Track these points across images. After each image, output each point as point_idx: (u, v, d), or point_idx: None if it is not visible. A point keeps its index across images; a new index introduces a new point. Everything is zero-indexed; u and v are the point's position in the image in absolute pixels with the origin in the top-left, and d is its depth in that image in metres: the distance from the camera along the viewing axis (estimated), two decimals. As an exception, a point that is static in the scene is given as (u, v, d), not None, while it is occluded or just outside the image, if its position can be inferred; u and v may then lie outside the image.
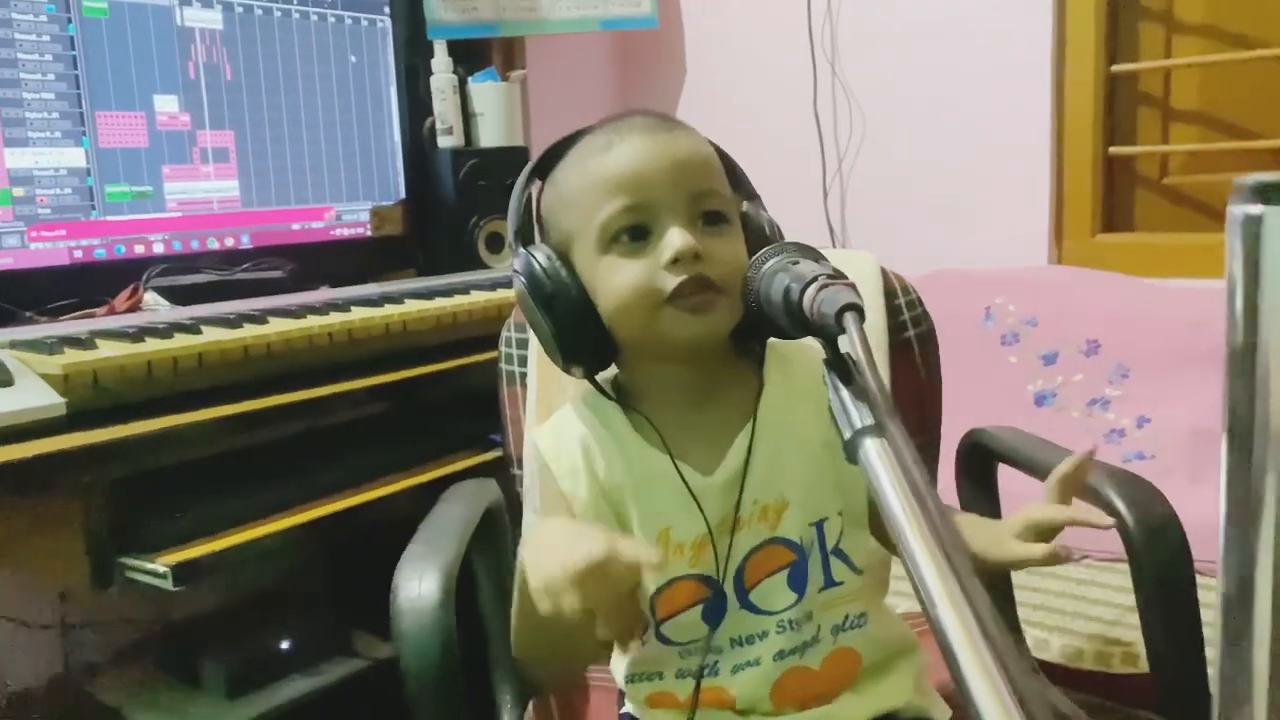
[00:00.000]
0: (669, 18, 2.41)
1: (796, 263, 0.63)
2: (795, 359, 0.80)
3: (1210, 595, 1.28)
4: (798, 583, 0.79)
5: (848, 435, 0.48)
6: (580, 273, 0.76)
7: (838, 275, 0.57)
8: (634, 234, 0.74)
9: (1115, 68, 1.99)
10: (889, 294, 1.18)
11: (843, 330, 0.50)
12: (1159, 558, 0.82)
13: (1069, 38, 1.99)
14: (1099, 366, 1.66)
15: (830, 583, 0.79)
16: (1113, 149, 2.01)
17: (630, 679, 0.85)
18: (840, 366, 0.52)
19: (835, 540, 0.79)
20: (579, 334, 0.76)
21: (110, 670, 1.41)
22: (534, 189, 0.84)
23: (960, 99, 2.09)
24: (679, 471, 0.76)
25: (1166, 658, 0.83)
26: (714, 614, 0.78)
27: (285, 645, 1.38)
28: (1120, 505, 0.88)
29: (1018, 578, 1.42)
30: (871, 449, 0.46)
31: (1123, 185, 2.05)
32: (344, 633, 1.45)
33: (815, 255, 0.65)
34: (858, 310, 0.51)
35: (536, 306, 0.76)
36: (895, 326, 1.18)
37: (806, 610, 0.79)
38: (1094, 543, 1.39)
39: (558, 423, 0.84)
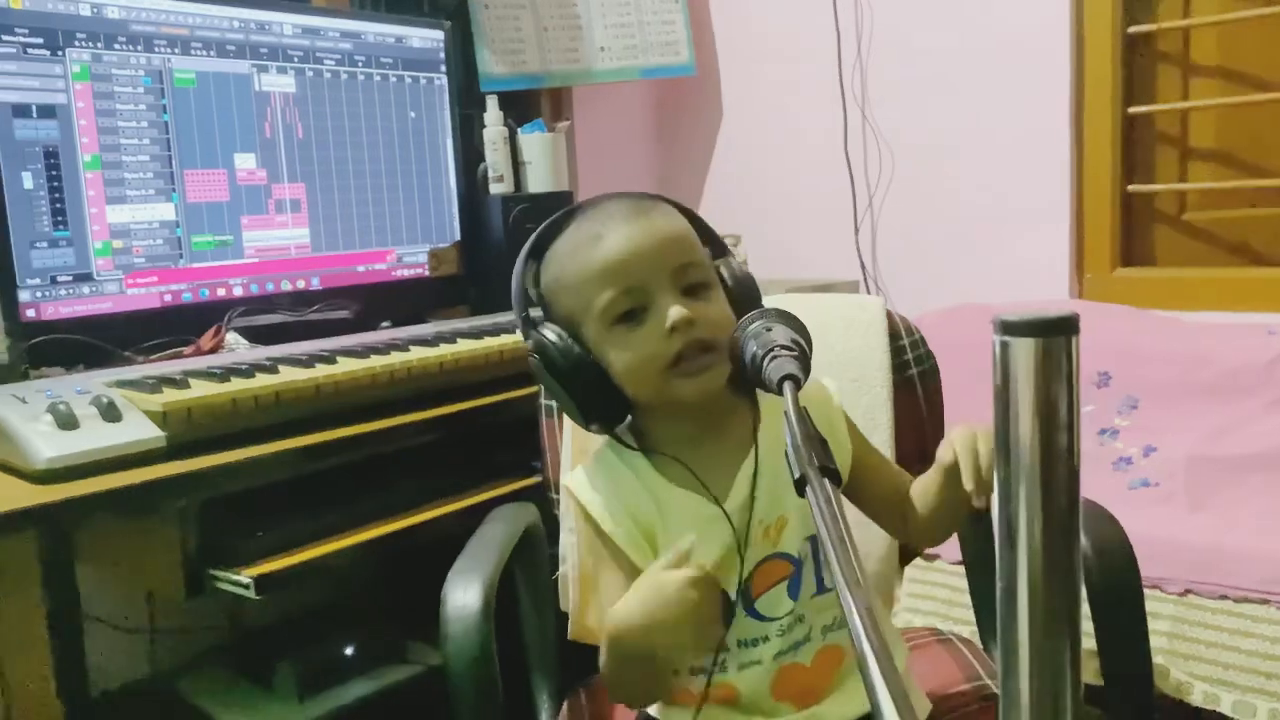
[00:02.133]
0: (705, 66, 2.55)
1: (770, 329, 0.75)
2: None
3: (1216, 618, 1.37)
4: (795, 591, 0.91)
5: (795, 475, 0.60)
6: (589, 344, 0.89)
7: (791, 347, 0.69)
8: (631, 314, 0.86)
9: (1132, 109, 2.08)
10: (893, 335, 1.30)
11: (782, 394, 0.63)
12: (1110, 575, 0.92)
13: (1087, 81, 2.09)
14: (1110, 397, 1.75)
15: (821, 589, 0.92)
16: (1131, 186, 2.10)
17: None
18: (788, 417, 0.64)
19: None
20: (595, 399, 0.89)
21: (192, 672, 1.57)
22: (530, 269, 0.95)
23: (984, 140, 2.19)
24: (722, 508, 0.88)
25: (1117, 666, 0.93)
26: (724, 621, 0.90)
27: (348, 652, 1.52)
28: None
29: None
30: (809, 493, 0.58)
31: (1142, 221, 2.14)
32: (400, 641, 1.59)
33: (787, 320, 0.77)
34: (794, 380, 0.63)
35: (555, 380, 0.89)
36: (899, 365, 1.29)
37: (800, 614, 0.91)
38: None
39: (590, 472, 0.95)
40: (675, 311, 0.84)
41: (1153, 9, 2.07)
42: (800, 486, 0.60)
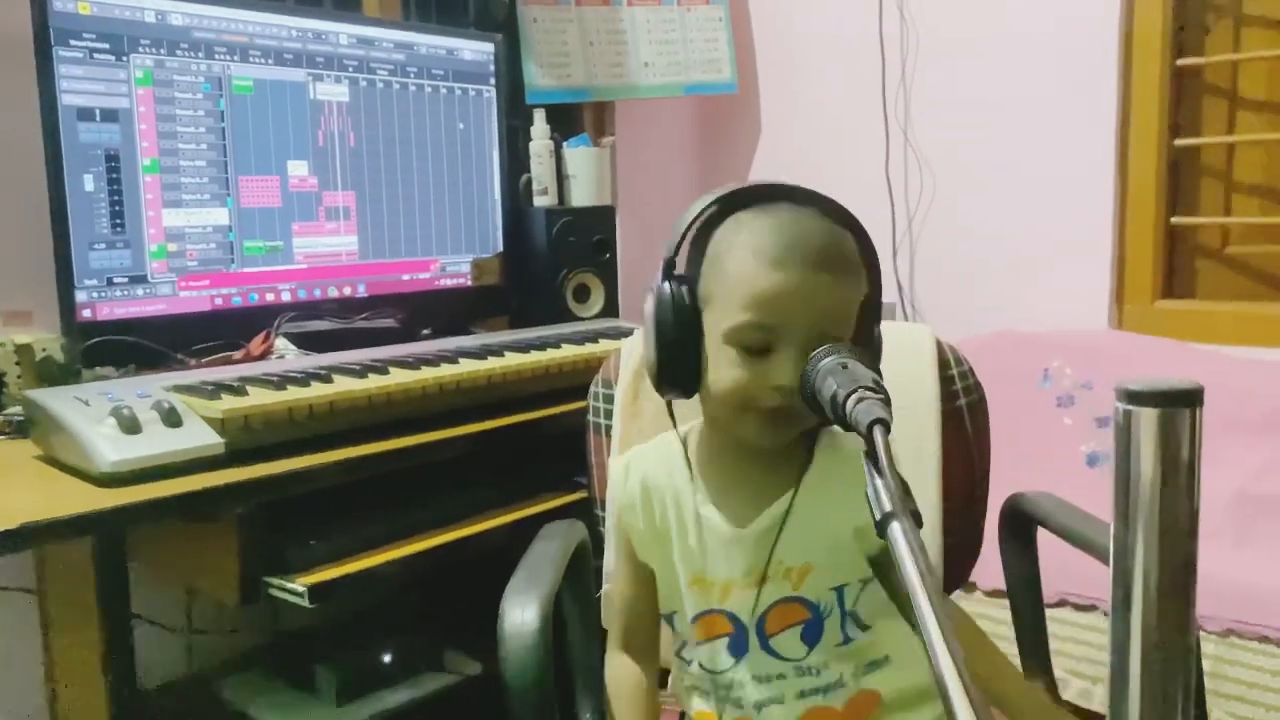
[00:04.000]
0: (747, 83, 2.56)
1: (846, 366, 0.75)
2: (845, 448, 0.92)
3: (1259, 659, 1.36)
4: (811, 637, 0.92)
5: (878, 516, 0.61)
6: (705, 326, 0.87)
7: (875, 388, 0.69)
8: (754, 348, 0.85)
9: (1179, 141, 2.08)
10: (943, 365, 1.30)
11: (872, 438, 0.63)
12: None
13: (1133, 112, 2.09)
14: (1150, 431, 1.74)
15: (846, 639, 0.92)
16: (1174, 219, 2.10)
17: (685, 691, 1.00)
18: (874, 459, 0.65)
19: (853, 603, 0.92)
20: (677, 368, 0.88)
21: (231, 673, 1.58)
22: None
23: (1026, 166, 2.19)
24: (725, 526, 0.91)
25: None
26: (738, 648, 0.93)
27: (386, 658, 1.53)
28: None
29: (1063, 630, 1.52)
30: (896, 529, 0.59)
31: (1184, 253, 2.13)
32: (437, 650, 1.61)
33: (863, 357, 0.77)
34: (884, 424, 0.64)
35: (654, 331, 0.88)
36: (947, 395, 1.29)
37: (823, 660, 0.92)
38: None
39: (630, 460, 0.99)
40: (789, 377, 0.82)
41: (1202, 42, 2.07)
42: (882, 527, 0.60)
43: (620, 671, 1.01)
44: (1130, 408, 0.37)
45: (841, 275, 0.87)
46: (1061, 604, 1.52)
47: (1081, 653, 1.50)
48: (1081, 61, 2.10)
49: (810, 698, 0.92)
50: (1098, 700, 1.50)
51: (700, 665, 0.95)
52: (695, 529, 0.93)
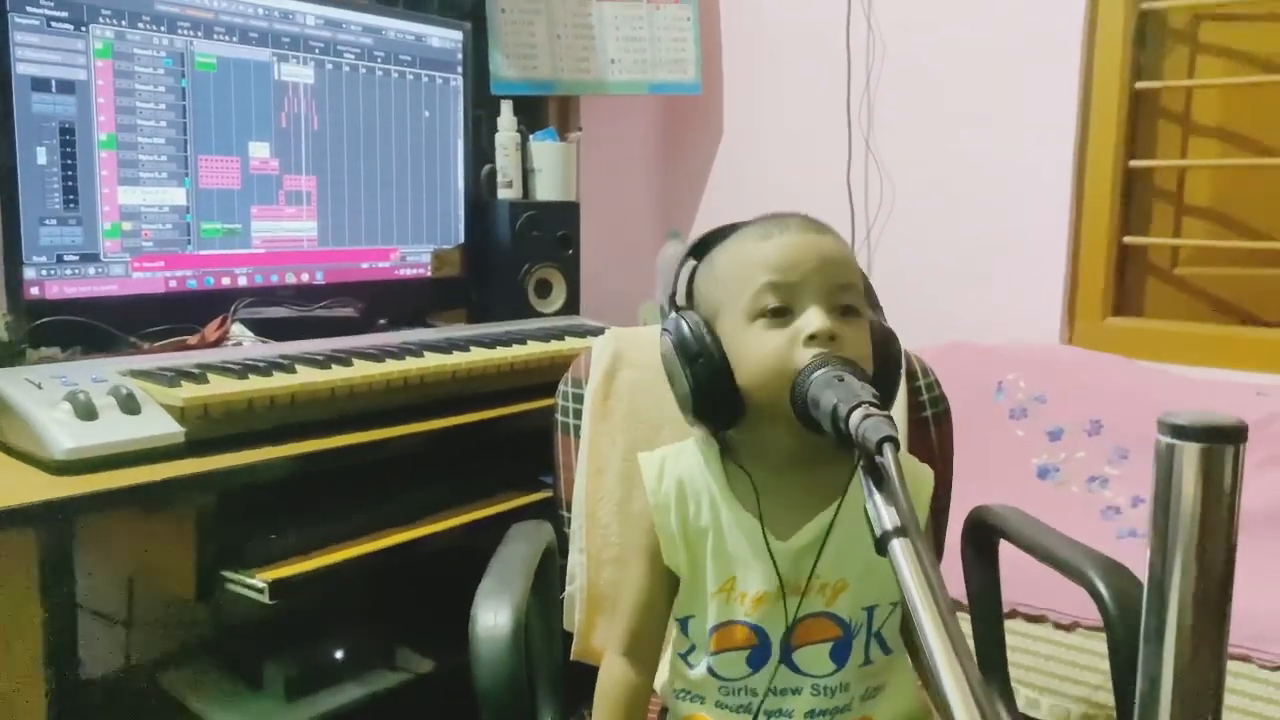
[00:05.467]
0: (712, 85, 2.56)
1: (842, 378, 0.75)
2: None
3: (1240, 682, 1.39)
4: (839, 656, 0.91)
5: (878, 533, 0.60)
6: (723, 341, 0.87)
7: (877, 404, 0.69)
8: (777, 312, 0.84)
9: (1133, 163, 2.12)
10: (910, 376, 1.31)
11: (881, 455, 0.63)
12: (1128, 624, 0.95)
13: (1092, 132, 2.12)
14: (1100, 446, 1.78)
15: (868, 660, 0.92)
16: (1127, 238, 2.14)
17: (677, 694, 0.97)
18: (874, 474, 0.64)
19: (881, 624, 0.91)
20: (713, 393, 0.87)
21: (175, 666, 1.54)
22: (686, 266, 0.95)
23: (985, 181, 2.22)
24: (766, 540, 0.88)
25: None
26: (758, 661, 0.91)
27: (338, 655, 1.50)
28: (1096, 579, 1.01)
29: (1013, 640, 1.54)
30: (898, 547, 0.59)
31: (1134, 272, 2.18)
32: (389, 647, 1.58)
33: (856, 371, 0.77)
34: (895, 442, 0.63)
35: (680, 364, 0.87)
36: (914, 405, 1.30)
37: (844, 681, 0.91)
38: (1083, 613, 1.51)
39: (666, 457, 0.95)
40: (819, 321, 0.82)
41: (1160, 67, 2.11)
42: (882, 545, 0.60)
43: (619, 678, 0.96)
44: (1174, 441, 0.37)
45: (831, 235, 0.89)
46: (1012, 614, 1.54)
47: (1030, 662, 1.53)
48: (1043, 80, 2.13)
49: (818, 718, 0.91)
50: (1045, 709, 1.53)
51: (711, 670, 0.93)
52: (732, 537, 0.90)
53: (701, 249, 0.95)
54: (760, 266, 0.86)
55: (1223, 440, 0.37)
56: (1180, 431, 0.37)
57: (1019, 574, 1.19)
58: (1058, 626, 1.52)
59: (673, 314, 0.90)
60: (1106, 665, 1.51)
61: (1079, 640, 1.51)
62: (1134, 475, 1.72)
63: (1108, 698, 1.41)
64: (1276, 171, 2.01)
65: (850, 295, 0.87)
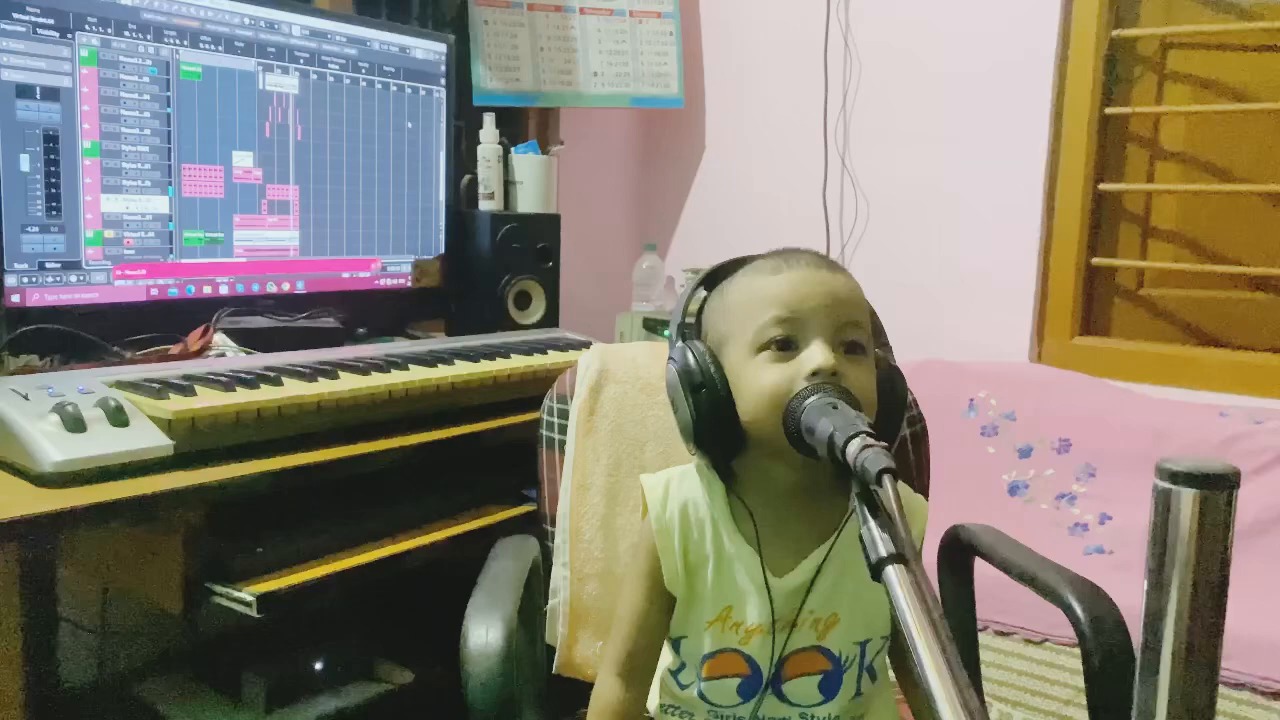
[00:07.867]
0: (694, 100, 2.58)
1: (835, 406, 0.77)
2: None
3: (1224, 703, 1.44)
4: (829, 689, 0.92)
5: (874, 559, 0.62)
6: (728, 372, 0.88)
7: (874, 433, 0.71)
8: (783, 345, 0.85)
9: (1102, 186, 2.17)
10: (890, 396, 1.34)
11: (880, 485, 0.65)
12: (1103, 646, 0.97)
13: (1062, 156, 2.17)
14: (1069, 464, 1.82)
15: (858, 693, 0.94)
16: (1095, 260, 2.19)
17: (665, 709, 0.99)
18: (869, 501, 0.66)
19: (872, 657, 0.93)
20: (714, 423, 0.88)
21: (151, 675, 1.53)
22: (697, 296, 0.98)
23: (958, 200, 2.27)
24: (765, 576, 0.89)
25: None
26: (748, 691, 0.92)
27: (318, 666, 1.50)
28: (1073, 602, 1.03)
29: (984, 655, 1.58)
30: (893, 574, 0.61)
31: (1102, 293, 2.23)
32: (368, 659, 1.58)
33: (849, 399, 0.79)
34: (894, 473, 0.65)
35: (684, 392, 0.88)
36: (893, 425, 1.33)
37: (834, 713, 0.93)
38: (1053, 629, 1.55)
39: (671, 480, 0.96)
40: (823, 355, 0.83)
41: (1129, 93, 2.17)
42: (878, 570, 0.62)
43: (612, 699, 0.95)
44: (1170, 487, 0.40)
45: (842, 274, 0.90)
46: (983, 630, 1.58)
47: (1001, 677, 1.56)
48: (1016, 104, 2.18)
49: None
50: (1013, 723, 1.56)
51: (702, 695, 0.94)
52: (731, 567, 0.91)
53: (713, 280, 0.97)
54: (768, 300, 0.87)
55: (1217, 487, 0.39)
56: (1177, 477, 0.39)
57: (991, 590, 1.22)
58: (1029, 641, 1.55)
59: (679, 342, 0.92)
60: (1076, 681, 1.55)
61: (1049, 655, 1.55)
62: (1101, 493, 1.76)
63: (1078, 712, 1.45)
64: (1240, 197, 2.07)
65: (856, 332, 0.88)
